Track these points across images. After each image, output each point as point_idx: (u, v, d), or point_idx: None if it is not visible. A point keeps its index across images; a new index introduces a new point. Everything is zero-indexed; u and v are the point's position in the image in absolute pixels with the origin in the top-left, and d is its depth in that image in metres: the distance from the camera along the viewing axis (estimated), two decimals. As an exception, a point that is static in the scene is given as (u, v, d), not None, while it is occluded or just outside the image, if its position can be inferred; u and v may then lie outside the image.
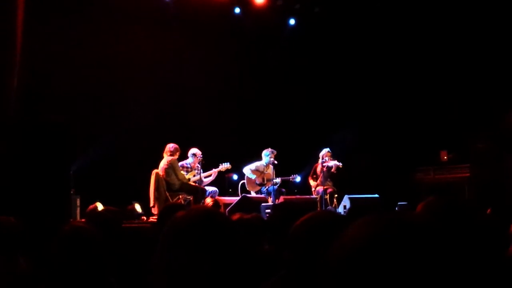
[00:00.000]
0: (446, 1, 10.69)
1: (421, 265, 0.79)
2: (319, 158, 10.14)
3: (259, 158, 10.06)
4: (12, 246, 2.94)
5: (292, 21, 12.27)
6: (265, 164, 9.96)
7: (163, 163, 8.84)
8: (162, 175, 8.76)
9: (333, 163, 9.93)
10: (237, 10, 11.66)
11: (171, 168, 8.78)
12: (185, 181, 8.87)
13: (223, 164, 9.33)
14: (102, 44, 9.85)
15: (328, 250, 0.87)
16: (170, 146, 8.89)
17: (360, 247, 0.82)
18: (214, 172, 9.27)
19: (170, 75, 10.67)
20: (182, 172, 8.94)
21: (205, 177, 9.18)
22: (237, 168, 9.95)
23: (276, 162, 9.77)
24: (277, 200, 9.18)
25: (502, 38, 10.30)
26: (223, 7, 11.17)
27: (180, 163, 9.01)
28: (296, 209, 2.83)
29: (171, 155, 8.85)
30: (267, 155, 9.90)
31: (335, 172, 9.94)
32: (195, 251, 1.34)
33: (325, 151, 10.11)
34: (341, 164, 9.90)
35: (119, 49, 10.02)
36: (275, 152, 9.87)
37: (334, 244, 0.86)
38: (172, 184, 8.75)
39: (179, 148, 8.94)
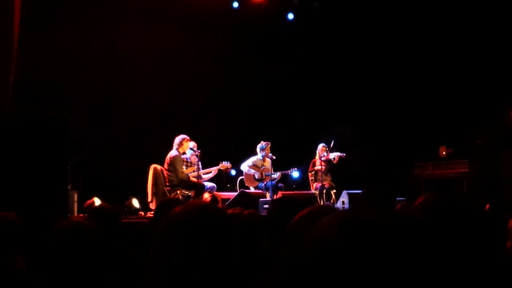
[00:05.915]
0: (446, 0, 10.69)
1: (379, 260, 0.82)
2: (316, 154, 10.19)
3: (255, 153, 10.04)
4: (9, 243, 2.92)
5: (290, 16, 12.24)
6: (261, 158, 9.94)
7: (167, 157, 8.83)
8: (166, 168, 8.77)
9: (334, 154, 9.96)
10: (236, 4, 11.63)
11: (172, 165, 8.75)
12: (184, 178, 8.83)
13: (224, 162, 9.30)
14: (98, 40, 9.80)
15: (300, 243, 0.92)
16: (176, 138, 8.85)
17: (326, 243, 0.85)
18: (214, 169, 9.24)
19: (167, 70, 10.64)
20: (183, 168, 8.90)
21: (204, 174, 9.14)
22: (236, 163, 9.94)
23: (274, 157, 9.74)
24: (275, 196, 9.17)
25: (500, 35, 10.29)
26: (221, 2, 11.13)
27: None
28: (294, 205, 2.82)
29: (176, 148, 8.82)
30: (262, 148, 9.89)
31: (336, 163, 9.96)
32: (191, 245, 1.33)
33: (320, 146, 10.15)
34: (344, 154, 9.94)
35: (115, 44, 9.98)
36: (269, 143, 9.86)
37: (304, 239, 0.91)
38: (171, 179, 8.75)
39: (186, 139, 8.86)
